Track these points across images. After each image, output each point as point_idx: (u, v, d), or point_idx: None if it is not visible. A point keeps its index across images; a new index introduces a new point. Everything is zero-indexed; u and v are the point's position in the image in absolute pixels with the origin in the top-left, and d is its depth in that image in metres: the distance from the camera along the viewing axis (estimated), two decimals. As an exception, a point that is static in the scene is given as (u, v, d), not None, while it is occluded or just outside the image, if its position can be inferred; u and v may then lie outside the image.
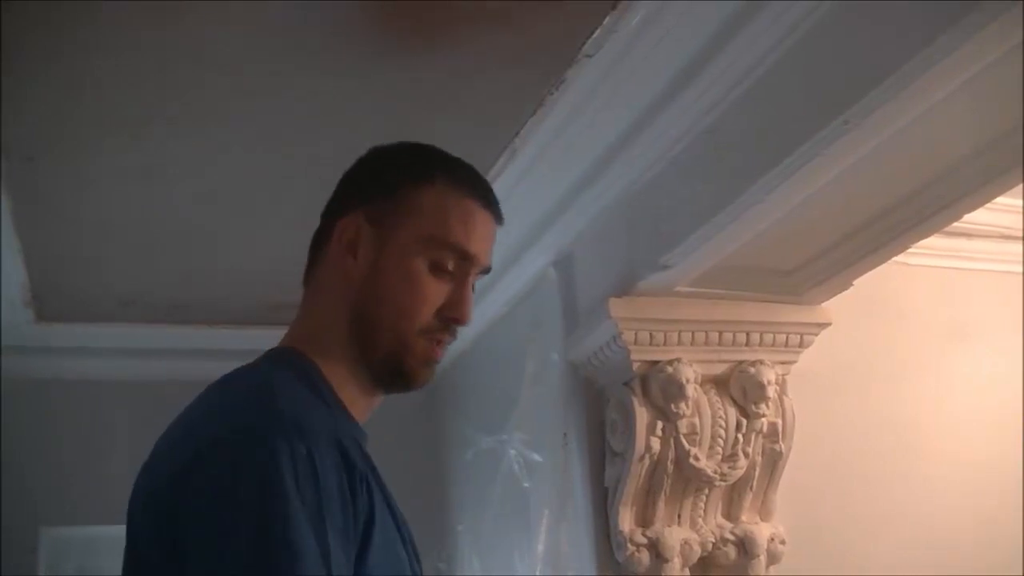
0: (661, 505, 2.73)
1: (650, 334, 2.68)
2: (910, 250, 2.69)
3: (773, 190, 2.21)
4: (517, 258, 3.27)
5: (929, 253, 3.21)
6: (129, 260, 3.40)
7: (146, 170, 2.84)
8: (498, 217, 1.67)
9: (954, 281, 3.44)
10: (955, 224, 2.65)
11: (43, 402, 3.79)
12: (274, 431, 1.35)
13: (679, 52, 2.32)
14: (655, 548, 2.70)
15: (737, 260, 2.57)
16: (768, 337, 2.78)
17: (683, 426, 2.68)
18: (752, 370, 2.73)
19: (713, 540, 2.76)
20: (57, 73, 2.38)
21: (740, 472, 2.75)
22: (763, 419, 2.75)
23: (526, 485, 3.25)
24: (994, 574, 3.06)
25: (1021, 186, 2.39)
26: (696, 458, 2.69)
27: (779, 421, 2.78)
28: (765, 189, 2.21)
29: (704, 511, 2.77)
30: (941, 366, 3.37)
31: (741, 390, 2.74)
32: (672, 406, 2.66)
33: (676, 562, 2.70)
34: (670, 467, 2.69)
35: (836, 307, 2.84)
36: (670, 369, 2.66)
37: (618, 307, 2.68)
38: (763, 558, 2.78)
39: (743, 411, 2.74)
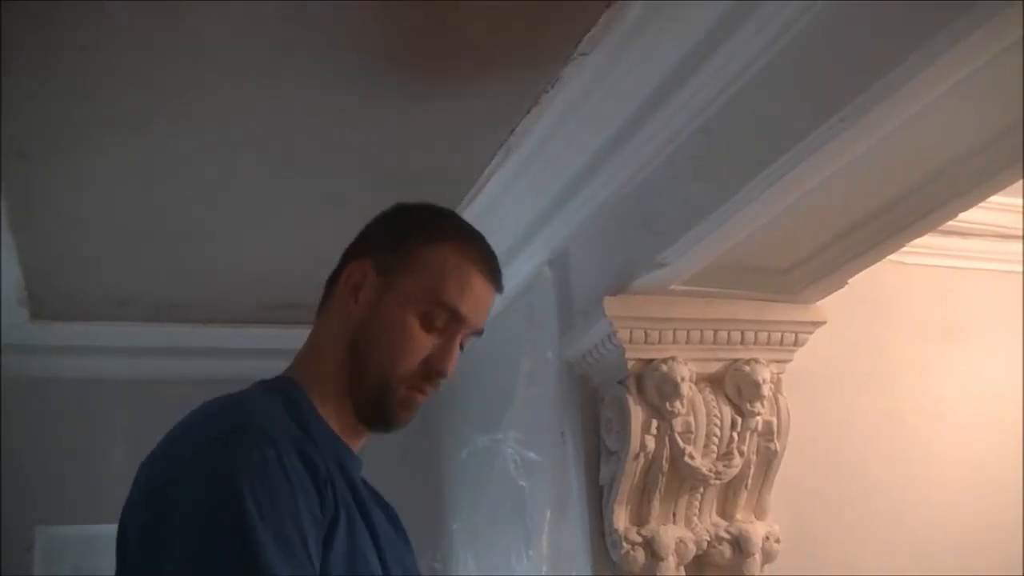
0: (656, 504, 2.73)
1: (645, 332, 2.68)
2: (905, 249, 2.69)
3: (768, 189, 2.21)
4: (512, 256, 3.26)
5: (924, 252, 3.22)
6: (126, 259, 3.40)
7: (143, 169, 2.84)
8: (498, 287, 1.78)
9: (949, 280, 3.44)
10: (950, 223, 2.64)
11: (39, 401, 3.78)
12: (244, 439, 1.46)
13: (674, 51, 2.32)
14: (650, 547, 2.70)
15: (732, 259, 2.57)
16: (763, 336, 2.78)
17: (678, 424, 2.68)
18: (747, 368, 2.73)
19: (708, 539, 2.77)
20: (54, 71, 2.38)
21: (735, 471, 2.75)
22: (758, 418, 2.75)
23: (522, 484, 3.25)
24: (991, 574, 3.06)
25: (1016, 185, 2.39)
26: (691, 456, 2.69)
27: (774, 420, 2.78)
28: (760, 188, 2.21)
29: (699, 510, 2.78)
30: (936, 365, 3.37)
31: (736, 389, 2.74)
32: (667, 404, 2.66)
33: (671, 561, 2.70)
34: (665, 466, 2.69)
35: (831, 306, 2.84)
36: (665, 367, 2.66)
37: (613, 305, 2.68)
38: (758, 557, 2.78)
39: (738, 410, 2.74)
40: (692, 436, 2.70)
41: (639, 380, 2.70)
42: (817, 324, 2.84)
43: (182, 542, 1.39)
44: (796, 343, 2.83)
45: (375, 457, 1.82)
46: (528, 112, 2.67)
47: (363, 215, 1.84)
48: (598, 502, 2.80)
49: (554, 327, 3.04)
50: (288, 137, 2.72)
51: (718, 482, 2.74)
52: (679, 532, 2.74)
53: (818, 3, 2.00)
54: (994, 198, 2.54)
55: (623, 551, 2.70)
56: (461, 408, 3.89)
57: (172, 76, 2.44)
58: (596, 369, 2.83)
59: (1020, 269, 3.41)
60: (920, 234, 2.55)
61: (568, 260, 3.04)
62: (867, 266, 2.66)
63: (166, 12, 2.20)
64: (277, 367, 1.76)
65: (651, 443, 2.68)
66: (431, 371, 1.69)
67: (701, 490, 2.76)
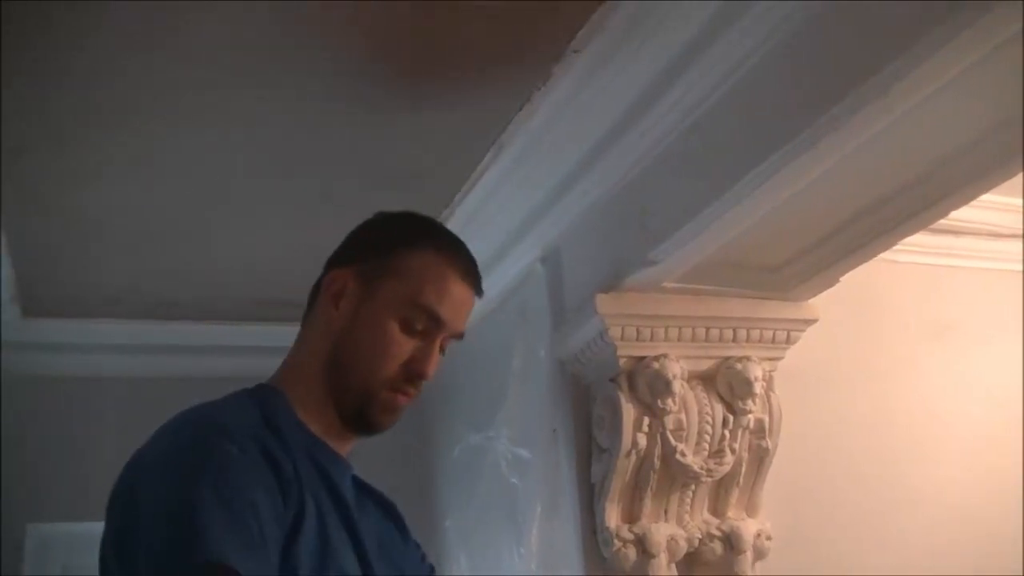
0: (648, 501, 2.73)
1: (637, 330, 2.68)
2: (897, 247, 2.69)
3: (759, 186, 2.21)
4: (504, 254, 3.27)
5: (916, 250, 3.22)
6: (121, 256, 3.40)
7: (139, 167, 2.84)
8: (477, 291, 1.80)
9: (941, 278, 3.44)
10: (942, 221, 2.65)
11: (30, 398, 3.78)
12: (206, 440, 1.48)
13: (666, 49, 2.32)
14: (641, 544, 2.70)
15: (724, 256, 2.57)
16: (755, 333, 2.78)
17: (670, 422, 2.68)
18: (739, 366, 2.74)
19: (700, 536, 2.77)
20: (51, 69, 2.38)
21: (727, 468, 2.75)
22: (750, 415, 2.75)
23: (514, 481, 3.25)
24: (986, 574, 3.07)
25: (1007, 183, 2.39)
26: (683, 454, 2.69)
27: (766, 417, 2.78)
28: (752, 185, 2.22)
29: (691, 507, 2.78)
30: (928, 363, 3.37)
31: (728, 386, 2.74)
32: (659, 402, 2.66)
33: (662, 558, 2.70)
34: (657, 463, 2.70)
35: (823, 304, 2.85)
36: (657, 365, 2.66)
37: (605, 303, 2.68)
38: (749, 554, 2.79)
39: (730, 407, 2.74)
40: (684, 434, 2.70)
41: (631, 378, 2.70)
42: (809, 322, 2.84)
43: (148, 546, 1.41)
44: (788, 341, 2.84)
45: (367, 456, 1.82)
46: (520, 110, 2.67)
47: (357, 213, 1.84)
48: (590, 500, 2.80)
49: (546, 325, 3.04)
50: (283, 135, 2.72)
51: (710, 480, 2.75)
52: (670, 530, 2.74)
53: (809, 2, 2.00)
54: (985, 196, 2.54)
55: (614, 548, 2.70)
56: (453, 406, 3.89)
57: (169, 75, 2.45)
58: (588, 367, 2.83)
59: (1012, 267, 3.42)
60: (911, 232, 2.55)
61: (560, 257, 3.04)
62: (859, 264, 2.66)
63: (164, 12, 2.21)
64: (273, 364, 1.77)
65: (643, 441, 2.68)
66: (412, 374, 1.70)
67: (693, 488, 2.76)
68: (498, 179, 2.98)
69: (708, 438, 2.72)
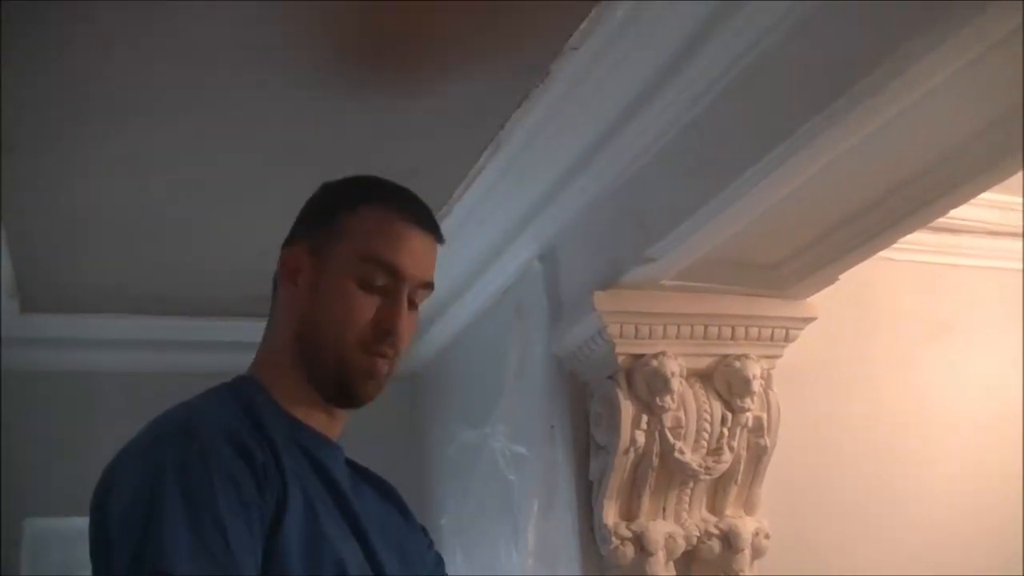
0: (646, 499, 2.73)
1: (635, 327, 2.67)
2: (896, 245, 2.69)
3: (757, 184, 2.21)
4: (501, 251, 3.27)
5: (915, 248, 3.22)
6: (115, 251, 3.39)
7: (133, 162, 2.83)
8: (435, 235, 1.75)
9: (940, 276, 3.44)
10: (941, 220, 2.65)
11: (27, 393, 3.77)
12: (170, 441, 1.47)
13: (664, 45, 2.32)
14: (639, 542, 2.70)
15: (722, 254, 2.57)
16: (753, 331, 2.78)
17: (668, 420, 2.68)
18: (737, 364, 2.73)
19: (698, 534, 2.76)
20: (44, 65, 2.38)
21: (725, 466, 2.75)
22: (748, 413, 2.75)
23: (511, 478, 3.25)
24: (986, 573, 3.06)
25: (1007, 182, 2.39)
26: (681, 452, 2.68)
27: (764, 415, 2.78)
28: (750, 183, 2.21)
29: (689, 505, 2.77)
30: (927, 361, 3.37)
31: (726, 384, 2.74)
32: (657, 400, 2.66)
33: (660, 556, 2.70)
34: (655, 461, 2.69)
35: (822, 302, 2.84)
36: (655, 363, 2.66)
37: (603, 300, 2.68)
38: (747, 552, 2.78)
39: (728, 405, 2.74)
40: (682, 431, 2.70)
41: (629, 375, 2.70)
42: (807, 320, 2.84)
43: (110, 557, 1.41)
44: (787, 339, 2.83)
45: (361, 451, 1.81)
46: (518, 107, 2.66)
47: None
48: (587, 497, 2.80)
49: (544, 322, 3.04)
50: (277, 131, 2.72)
51: (708, 477, 2.74)
52: (668, 527, 2.74)
53: (806, 1, 2.00)
54: (984, 195, 2.54)
55: (612, 546, 2.70)
56: (449, 402, 3.89)
57: (161, 70, 2.44)
58: (586, 364, 2.83)
59: (1011, 266, 3.41)
60: (910, 230, 2.56)
61: (557, 255, 3.04)
62: (857, 262, 2.66)
63: (154, 8, 2.20)
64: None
65: (641, 438, 2.67)
66: (382, 332, 1.65)
67: (691, 485, 2.76)
68: (495, 176, 2.98)
69: (706, 436, 2.72)
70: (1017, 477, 3.26)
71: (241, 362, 1.77)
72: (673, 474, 2.72)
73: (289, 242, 1.77)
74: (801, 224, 2.50)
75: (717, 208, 2.32)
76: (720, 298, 2.75)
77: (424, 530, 1.88)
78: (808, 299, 2.83)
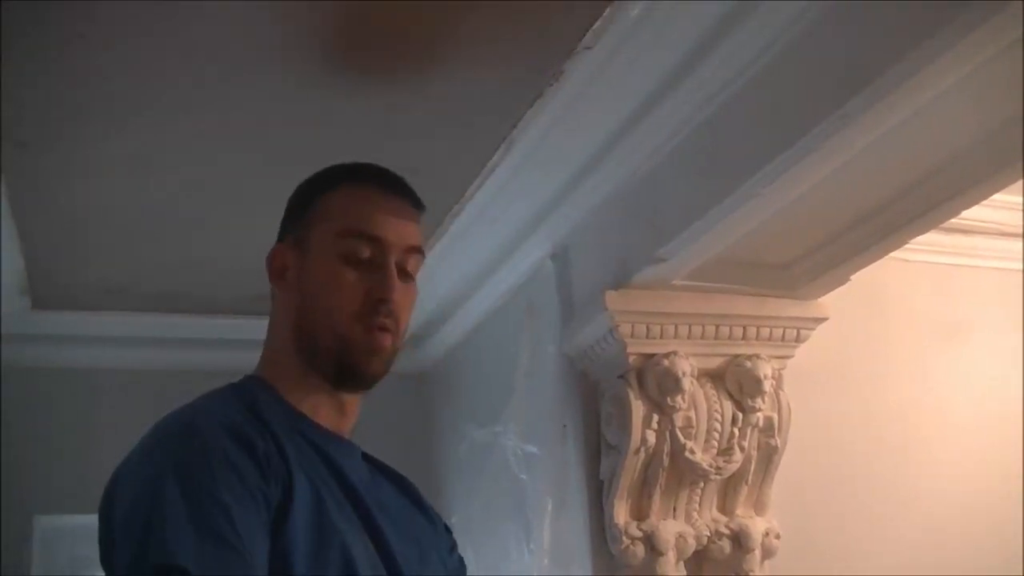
0: (656, 498, 2.73)
1: (646, 327, 2.67)
2: (908, 246, 2.69)
3: (770, 184, 2.21)
4: (513, 250, 3.27)
5: (927, 249, 3.21)
6: (124, 249, 3.39)
7: (142, 159, 2.83)
8: (411, 201, 1.76)
9: (952, 277, 3.43)
10: (954, 220, 2.65)
11: (37, 390, 3.78)
12: (171, 440, 1.48)
13: (677, 45, 2.31)
14: (650, 541, 2.70)
15: (734, 254, 2.56)
16: (764, 331, 2.77)
17: (679, 419, 2.68)
18: (748, 364, 2.73)
19: (708, 534, 2.76)
20: (53, 61, 2.37)
21: (735, 466, 2.74)
22: (759, 413, 2.75)
23: (522, 477, 3.25)
24: (992, 573, 3.05)
25: (1020, 183, 2.39)
26: (692, 452, 2.68)
27: (775, 416, 2.77)
28: (762, 183, 2.21)
29: (699, 505, 2.77)
30: (938, 362, 3.36)
31: (737, 384, 2.74)
32: (668, 399, 2.66)
33: (671, 556, 2.70)
34: (665, 460, 2.69)
35: (833, 302, 2.84)
36: (666, 362, 2.66)
37: (614, 300, 2.68)
38: (758, 552, 2.78)
39: (739, 405, 2.74)
40: (693, 431, 2.69)
41: (640, 375, 2.70)
42: (819, 320, 2.83)
43: (118, 553, 1.41)
44: (798, 339, 2.83)
45: (370, 449, 1.81)
46: (531, 105, 2.66)
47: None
48: (598, 496, 2.80)
49: (555, 321, 3.04)
50: (287, 129, 2.71)
51: (718, 477, 2.74)
52: (679, 527, 2.73)
53: (820, 2, 2.00)
54: (997, 196, 2.54)
55: (623, 546, 2.69)
56: (460, 401, 3.89)
57: (164, 70, 2.44)
58: (597, 363, 2.83)
59: (1022, 267, 3.40)
60: (923, 231, 2.55)
61: (570, 254, 3.04)
62: (869, 262, 2.65)
63: (157, 7, 2.20)
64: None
65: (652, 438, 2.67)
66: (375, 301, 1.64)
67: (701, 485, 2.76)
68: (508, 175, 2.97)
69: (717, 436, 2.72)
70: (1021, 477, 3.26)
71: (244, 359, 1.77)
72: (684, 474, 2.72)
73: (275, 244, 1.78)
74: (813, 224, 2.50)
75: (729, 208, 2.32)
76: (731, 298, 2.74)
77: (448, 530, 1.87)
78: (819, 299, 2.82)
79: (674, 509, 2.76)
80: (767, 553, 2.80)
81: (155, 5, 2.20)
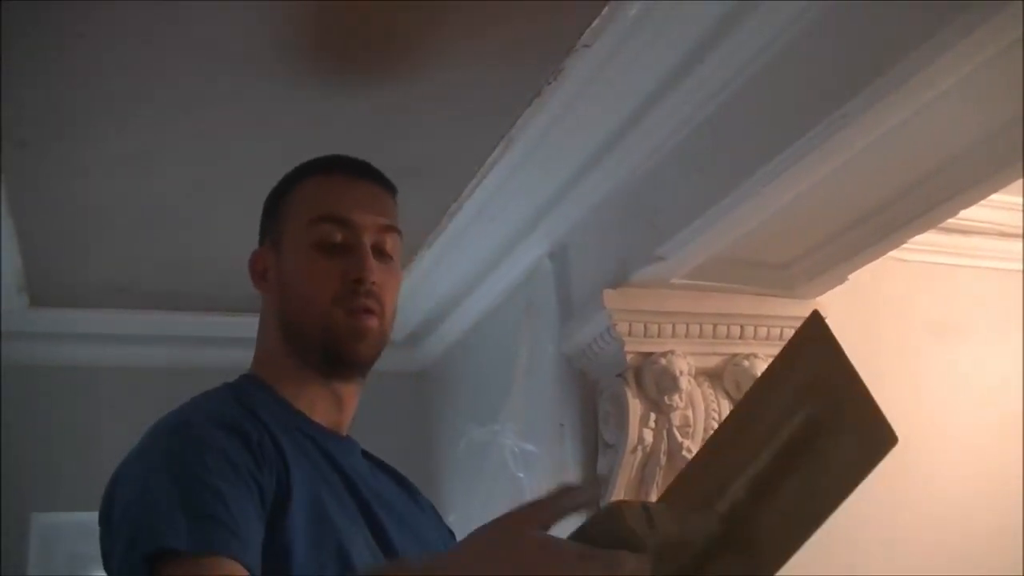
0: (653, 497, 2.73)
1: (644, 326, 2.68)
2: (906, 246, 2.69)
3: (769, 183, 2.21)
4: (512, 249, 3.27)
5: (925, 249, 3.20)
6: (124, 246, 3.40)
7: (142, 157, 2.84)
8: (380, 183, 1.75)
9: (950, 278, 3.43)
10: (952, 220, 2.64)
11: (36, 388, 3.78)
12: (164, 438, 1.48)
13: (677, 44, 2.31)
14: (646, 540, 2.69)
15: (732, 253, 2.56)
16: (762, 331, 2.78)
17: (676, 418, 2.68)
18: (746, 363, 2.73)
19: (704, 533, 2.76)
20: (53, 59, 2.38)
21: (732, 465, 2.74)
22: (756, 413, 2.74)
23: (520, 476, 3.25)
24: (992, 574, 3.05)
25: (1018, 183, 2.39)
26: (689, 450, 2.68)
27: (772, 415, 2.77)
28: (761, 182, 2.21)
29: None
30: (932, 361, 3.36)
31: (734, 383, 2.74)
32: (665, 398, 2.66)
33: (667, 554, 2.70)
34: (663, 459, 2.69)
35: (830, 302, 2.84)
36: (664, 361, 2.66)
37: (612, 298, 2.68)
38: (752, 552, 2.78)
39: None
40: (690, 430, 2.69)
41: (638, 373, 2.70)
42: (816, 320, 2.83)
43: (115, 548, 1.41)
44: (795, 338, 2.82)
45: (369, 448, 1.81)
46: (530, 104, 2.66)
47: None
48: (595, 495, 2.80)
49: (553, 320, 3.04)
50: (287, 125, 2.71)
51: (713, 476, 2.74)
52: (675, 526, 2.73)
53: (819, 1, 2.00)
54: (995, 196, 2.54)
55: (619, 544, 2.69)
56: (458, 400, 3.89)
57: (170, 64, 2.44)
58: (595, 362, 2.83)
59: (1021, 267, 3.40)
60: (921, 231, 2.55)
61: (568, 253, 3.04)
62: (867, 262, 2.65)
63: (159, 6, 2.21)
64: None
65: (649, 436, 2.67)
66: (353, 282, 1.63)
67: (698, 484, 2.76)
68: (506, 174, 2.97)
69: (714, 435, 2.72)
70: (1020, 479, 3.25)
71: (243, 357, 1.77)
72: (681, 473, 2.72)
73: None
74: (811, 224, 2.50)
75: (728, 207, 2.32)
76: (729, 297, 2.75)
77: (432, 507, 1.87)
78: (817, 299, 2.82)
79: (671, 508, 2.75)
80: (763, 552, 2.80)
81: (154, 5, 2.20)
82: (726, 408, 2.72)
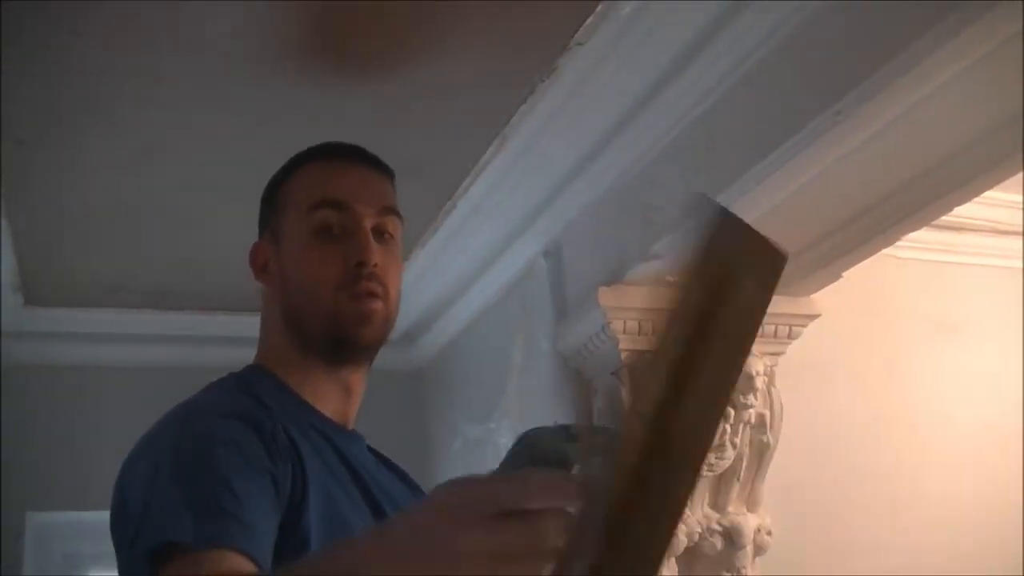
0: (651, 495, 2.72)
1: (639, 324, 2.67)
2: (900, 243, 2.69)
3: (763, 181, 2.21)
4: (506, 247, 3.27)
5: (919, 247, 3.21)
6: (120, 245, 3.40)
7: (138, 156, 2.84)
8: (376, 166, 1.74)
9: (945, 275, 3.43)
10: (946, 218, 2.64)
11: (31, 387, 3.77)
12: (171, 432, 1.46)
13: (671, 42, 2.32)
14: (641, 538, 2.69)
15: (727, 251, 2.56)
16: (757, 328, 2.77)
17: (671, 417, 2.67)
18: (740, 361, 2.73)
19: (700, 531, 2.76)
20: (50, 59, 2.38)
21: (727, 463, 2.74)
22: (751, 410, 2.75)
23: (515, 474, 3.24)
24: (992, 574, 3.05)
25: (1012, 180, 2.39)
26: (684, 448, 2.68)
27: (767, 412, 2.78)
28: (755, 180, 2.21)
29: (691, 501, 2.77)
30: (931, 360, 3.36)
31: (729, 381, 2.73)
32: (660, 396, 2.65)
33: (662, 552, 2.70)
34: (657, 457, 2.68)
35: (825, 299, 2.84)
36: (659, 359, 2.65)
37: (607, 296, 2.68)
38: (749, 549, 2.78)
39: (731, 402, 2.73)
40: (684, 427, 2.69)
41: (632, 372, 2.70)
42: (811, 317, 2.83)
43: (122, 543, 1.40)
44: (790, 336, 2.83)
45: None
46: (524, 102, 2.66)
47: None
48: (590, 493, 2.79)
49: (548, 318, 3.04)
50: (283, 125, 2.71)
51: (710, 474, 2.74)
52: (671, 524, 2.73)
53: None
54: (990, 193, 2.54)
55: (614, 542, 2.69)
56: (454, 399, 3.89)
57: (167, 64, 2.45)
58: (590, 361, 2.83)
59: (1016, 265, 3.41)
60: (915, 228, 2.55)
61: (563, 251, 3.04)
62: (862, 259, 2.65)
63: (158, 5, 2.21)
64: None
65: (644, 434, 2.67)
66: (355, 266, 1.61)
67: (693, 482, 2.75)
68: (501, 172, 2.97)
69: (709, 432, 2.71)
70: (1019, 476, 3.26)
71: (239, 356, 1.77)
72: (675, 470, 2.72)
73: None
74: (806, 221, 2.49)
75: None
76: (724, 295, 2.74)
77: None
78: (812, 296, 2.82)
79: (666, 505, 2.75)
80: (759, 550, 2.80)
81: (153, 4, 2.21)
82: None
